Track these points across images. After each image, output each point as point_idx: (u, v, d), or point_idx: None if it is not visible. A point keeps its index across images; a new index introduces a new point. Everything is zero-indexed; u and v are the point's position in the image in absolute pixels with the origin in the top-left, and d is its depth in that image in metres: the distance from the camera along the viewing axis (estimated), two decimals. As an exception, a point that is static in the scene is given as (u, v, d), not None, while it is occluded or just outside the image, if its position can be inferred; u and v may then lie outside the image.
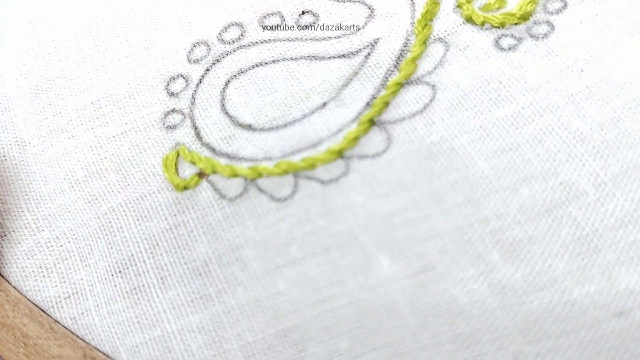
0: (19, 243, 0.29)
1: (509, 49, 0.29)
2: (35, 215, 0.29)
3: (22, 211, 0.29)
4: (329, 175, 0.27)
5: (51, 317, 0.27)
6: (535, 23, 0.29)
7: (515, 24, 0.29)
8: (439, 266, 0.25)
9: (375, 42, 0.30)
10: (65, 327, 0.27)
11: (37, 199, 0.29)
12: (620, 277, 0.24)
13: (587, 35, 0.28)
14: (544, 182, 0.26)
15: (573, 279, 0.24)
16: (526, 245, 0.25)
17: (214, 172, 0.28)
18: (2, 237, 0.29)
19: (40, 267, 0.28)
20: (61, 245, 0.28)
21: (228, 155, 0.29)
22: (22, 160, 0.30)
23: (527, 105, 0.27)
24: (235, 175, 0.28)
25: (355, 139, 0.28)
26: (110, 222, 0.28)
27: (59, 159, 0.30)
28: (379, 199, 0.27)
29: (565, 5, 0.29)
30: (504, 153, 0.27)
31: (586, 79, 0.27)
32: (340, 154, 0.28)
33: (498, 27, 0.29)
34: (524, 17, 0.29)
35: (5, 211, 0.29)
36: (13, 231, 0.29)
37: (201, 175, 0.28)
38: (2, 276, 0.28)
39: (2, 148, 0.31)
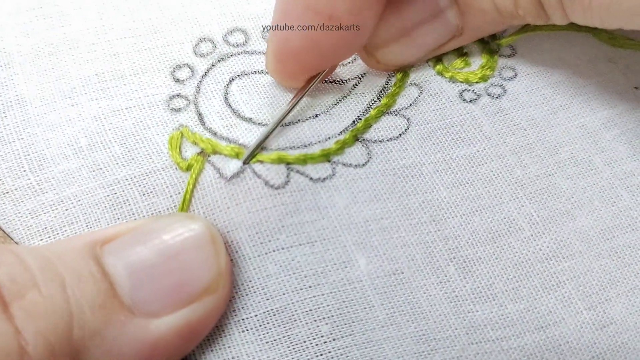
0: (22, 202, 0.29)
1: (470, 101, 0.35)
2: (38, 176, 0.30)
3: (24, 171, 0.30)
4: (317, 174, 0.31)
5: None
6: (492, 85, 0.35)
7: (477, 82, 0.35)
8: (406, 271, 0.30)
9: (362, 76, 0.35)
10: None
11: (40, 161, 0.30)
12: (542, 299, 0.31)
13: (530, 102, 0.35)
14: (492, 215, 0.32)
15: (508, 297, 0.30)
16: (475, 264, 0.31)
17: (215, 152, 0.31)
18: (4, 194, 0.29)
19: (45, 228, 0.29)
20: (66, 210, 0.29)
21: (228, 140, 0.31)
22: (24, 120, 0.31)
23: (481, 150, 0.33)
24: (234, 155, 0.31)
25: (342, 148, 0.32)
26: (115, 193, 0.30)
27: (62, 124, 0.31)
28: (359, 205, 0.31)
29: (516, 75, 0.36)
30: (462, 186, 0.32)
31: (527, 138, 0.34)
32: (328, 157, 0.32)
33: (462, 82, 0.35)
34: (483, 79, 0.35)
35: (7, 169, 0.29)
36: (15, 189, 0.29)
37: (202, 154, 0.31)
38: (7, 234, 0.29)
39: (2, 104, 0.31)
